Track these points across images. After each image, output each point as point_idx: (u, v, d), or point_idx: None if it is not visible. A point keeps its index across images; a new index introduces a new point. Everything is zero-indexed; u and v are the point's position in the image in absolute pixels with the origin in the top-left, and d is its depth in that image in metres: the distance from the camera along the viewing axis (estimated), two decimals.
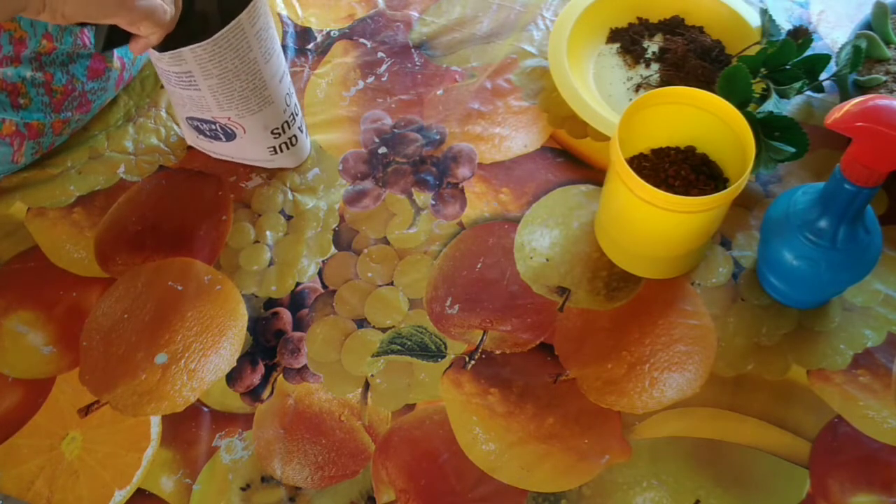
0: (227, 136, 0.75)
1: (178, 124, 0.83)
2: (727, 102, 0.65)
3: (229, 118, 0.73)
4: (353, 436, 0.66)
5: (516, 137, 0.81)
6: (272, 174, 0.79)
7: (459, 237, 0.75)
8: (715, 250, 0.73)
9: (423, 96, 0.84)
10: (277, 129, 0.75)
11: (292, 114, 0.76)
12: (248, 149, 0.77)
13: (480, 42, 0.88)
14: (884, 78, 0.74)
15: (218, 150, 0.78)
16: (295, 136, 0.77)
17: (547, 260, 0.73)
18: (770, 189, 0.76)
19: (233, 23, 0.67)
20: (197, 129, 0.76)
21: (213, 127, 0.74)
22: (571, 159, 0.79)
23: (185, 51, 0.66)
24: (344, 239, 0.76)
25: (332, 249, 0.75)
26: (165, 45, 0.66)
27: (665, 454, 0.64)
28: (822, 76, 0.75)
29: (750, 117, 0.68)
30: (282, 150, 0.77)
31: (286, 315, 0.72)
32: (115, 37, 0.63)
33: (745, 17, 0.82)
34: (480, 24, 0.89)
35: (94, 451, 0.67)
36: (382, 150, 0.80)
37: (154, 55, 0.68)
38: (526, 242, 0.74)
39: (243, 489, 0.65)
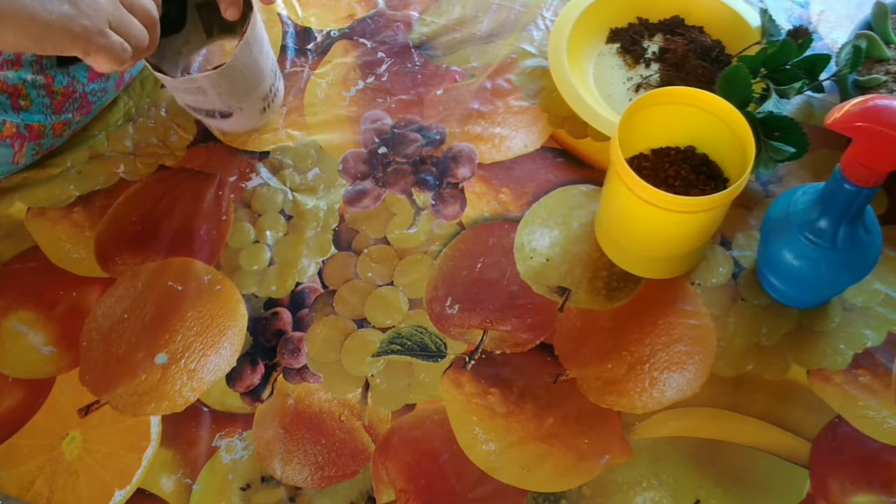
0: (224, 116, 0.77)
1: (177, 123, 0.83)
2: (727, 102, 0.65)
3: (230, 105, 0.75)
4: (353, 436, 0.66)
5: (516, 137, 0.81)
6: (273, 173, 0.79)
7: (459, 237, 0.75)
8: (715, 250, 0.73)
9: (423, 96, 0.84)
10: (267, 94, 0.78)
11: (274, 73, 0.79)
12: (244, 120, 0.79)
13: (480, 42, 0.88)
14: (884, 78, 0.74)
15: (213, 124, 0.81)
16: (278, 88, 0.81)
17: (547, 260, 0.73)
18: (770, 189, 0.76)
19: (241, 42, 0.69)
20: (194, 110, 0.78)
21: (210, 113, 0.77)
22: (571, 159, 0.79)
23: (200, 77, 0.69)
24: (344, 239, 0.76)
25: (332, 249, 0.75)
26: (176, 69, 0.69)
27: (665, 454, 0.64)
28: (822, 76, 0.75)
29: (750, 117, 0.68)
30: (269, 107, 0.80)
31: (286, 315, 0.72)
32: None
33: (745, 17, 0.82)
34: (480, 24, 0.89)
35: (94, 451, 0.67)
36: (382, 150, 0.80)
37: (165, 80, 0.71)
38: (526, 242, 0.74)
39: (243, 489, 0.65)
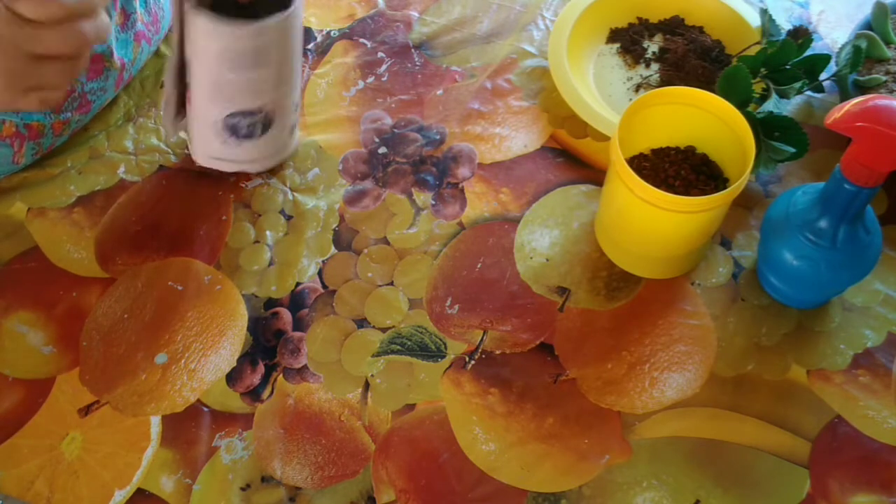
0: (265, 127, 0.73)
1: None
2: (727, 102, 0.65)
3: (273, 98, 0.71)
4: (353, 436, 0.66)
5: (516, 137, 0.81)
6: (272, 173, 0.79)
7: (459, 237, 0.75)
8: (715, 250, 0.73)
9: (423, 96, 0.84)
10: (293, 113, 0.76)
11: (297, 106, 0.77)
12: (276, 139, 0.75)
13: (480, 42, 0.88)
14: (884, 78, 0.74)
15: (240, 155, 0.75)
16: (295, 123, 0.78)
17: (547, 260, 0.73)
18: (770, 189, 0.76)
19: (295, 5, 0.66)
20: (233, 128, 0.72)
21: (254, 119, 0.72)
22: (571, 159, 0.79)
23: (271, 21, 0.65)
24: (344, 239, 0.76)
25: (332, 249, 0.75)
26: (242, 17, 0.65)
27: (665, 454, 0.64)
28: (822, 76, 0.75)
29: (750, 117, 0.68)
30: (291, 137, 0.78)
31: (286, 315, 0.72)
32: None
33: (745, 17, 0.82)
34: (480, 24, 0.89)
35: (94, 451, 0.67)
36: (382, 150, 0.80)
37: (232, 32, 0.65)
38: (526, 242, 0.74)
39: (243, 489, 0.65)
